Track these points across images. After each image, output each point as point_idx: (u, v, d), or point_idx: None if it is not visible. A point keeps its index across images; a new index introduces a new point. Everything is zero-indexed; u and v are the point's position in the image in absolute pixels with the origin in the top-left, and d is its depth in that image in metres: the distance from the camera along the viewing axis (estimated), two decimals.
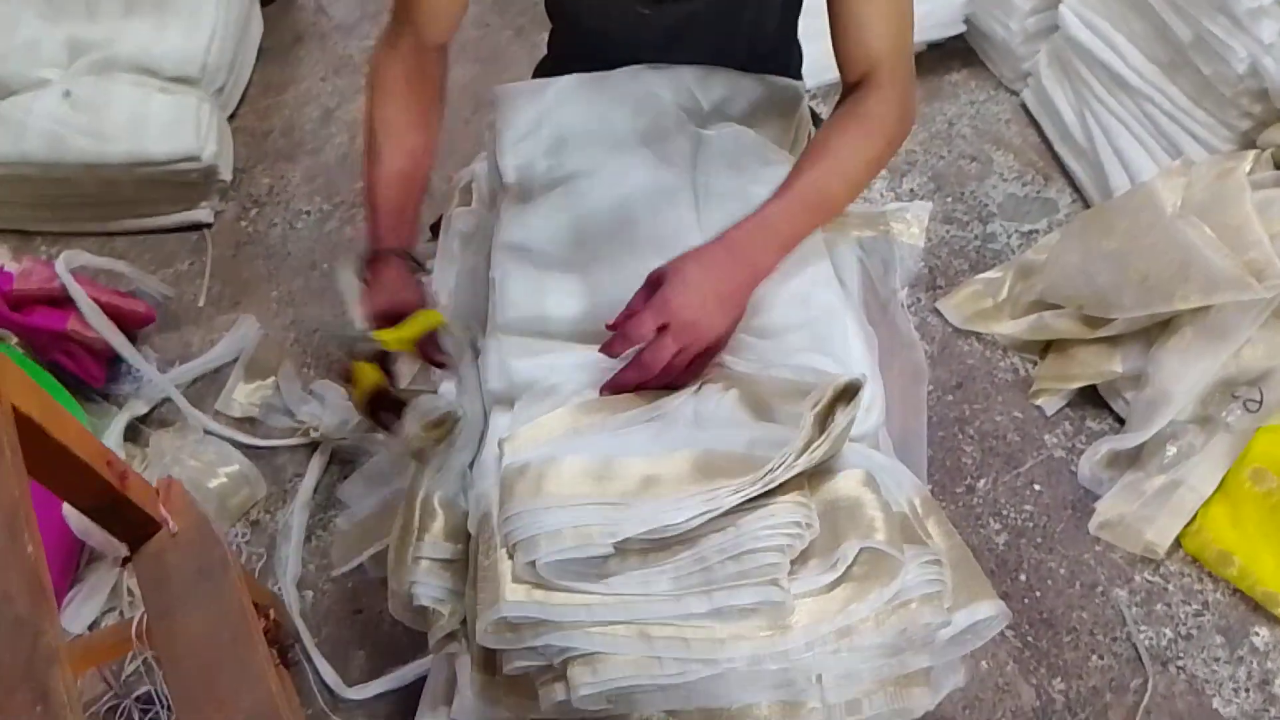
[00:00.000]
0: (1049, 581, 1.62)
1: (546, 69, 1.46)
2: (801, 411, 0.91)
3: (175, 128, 2.02)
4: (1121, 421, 1.75)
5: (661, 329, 1.03)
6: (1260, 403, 1.59)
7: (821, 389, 0.92)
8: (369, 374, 1.10)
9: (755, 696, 0.96)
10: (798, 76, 1.44)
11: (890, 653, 0.97)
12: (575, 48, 1.45)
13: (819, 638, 0.93)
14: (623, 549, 0.91)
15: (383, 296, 1.15)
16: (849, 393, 0.93)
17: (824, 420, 0.92)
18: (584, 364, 1.08)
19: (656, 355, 1.02)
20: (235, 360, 1.84)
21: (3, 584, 0.61)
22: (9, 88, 2.08)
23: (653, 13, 1.24)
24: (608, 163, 1.27)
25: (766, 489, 0.90)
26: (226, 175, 2.15)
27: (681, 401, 1.01)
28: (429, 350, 1.14)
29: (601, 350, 1.05)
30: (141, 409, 1.77)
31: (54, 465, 0.89)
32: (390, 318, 1.14)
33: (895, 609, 0.95)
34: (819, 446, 0.90)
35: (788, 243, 1.09)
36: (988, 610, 1.04)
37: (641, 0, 1.23)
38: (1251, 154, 1.67)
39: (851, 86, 1.15)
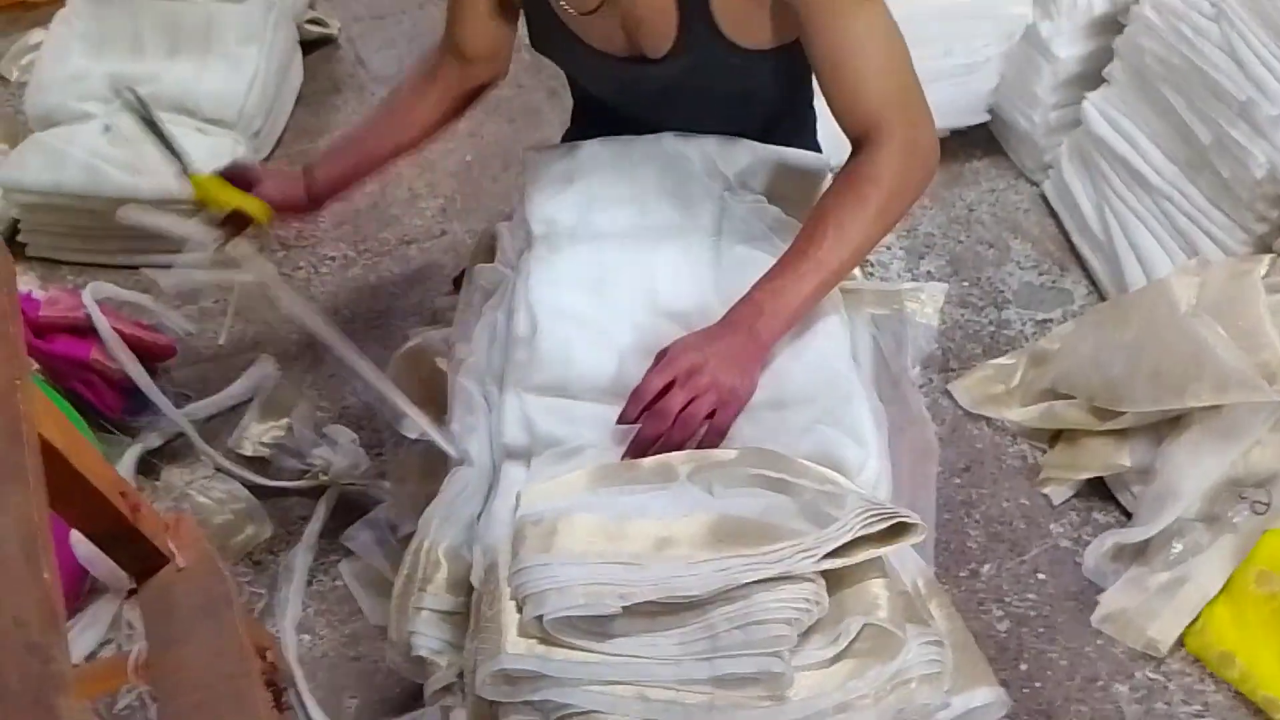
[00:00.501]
0: (1049, 672, 1.61)
1: (571, 137, 1.52)
2: (837, 515, 0.91)
3: (209, 168, 2.05)
4: (1128, 515, 1.75)
5: (674, 382, 1.06)
6: (1268, 505, 1.59)
7: (877, 510, 0.92)
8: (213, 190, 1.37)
9: None
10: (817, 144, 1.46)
11: None
12: (589, 112, 1.53)
13: (816, 712, 0.92)
14: (630, 610, 0.92)
15: (259, 174, 1.44)
16: (901, 530, 0.94)
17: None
18: (606, 425, 1.09)
19: (669, 404, 1.06)
20: (251, 399, 1.85)
21: (18, 609, 0.61)
22: (52, 119, 2.13)
23: (634, 74, 1.27)
24: (634, 225, 1.29)
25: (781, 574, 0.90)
26: None
27: (694, 468, 1.02)
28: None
29: (618, 421, 1.08)
30: (155, 442, 1.78)
31: (70, 494, 0.90)
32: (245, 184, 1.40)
33: (894, 687, 0.95)
34: (840, 559, 0.91)
35: (790, 316, 1.11)
36: (987, 696, 1.03)
37: (621, 62, 1.27)
38: (1267, 258, 1.68)
39: (856, 144, 1.16)
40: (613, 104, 1.41)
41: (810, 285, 1.11)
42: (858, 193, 1.12)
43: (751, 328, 1.09)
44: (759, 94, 1.33)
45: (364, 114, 1.46)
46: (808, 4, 1.11)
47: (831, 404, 1.10)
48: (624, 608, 0.91)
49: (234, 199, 1.38)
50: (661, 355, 1.11)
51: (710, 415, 1.07)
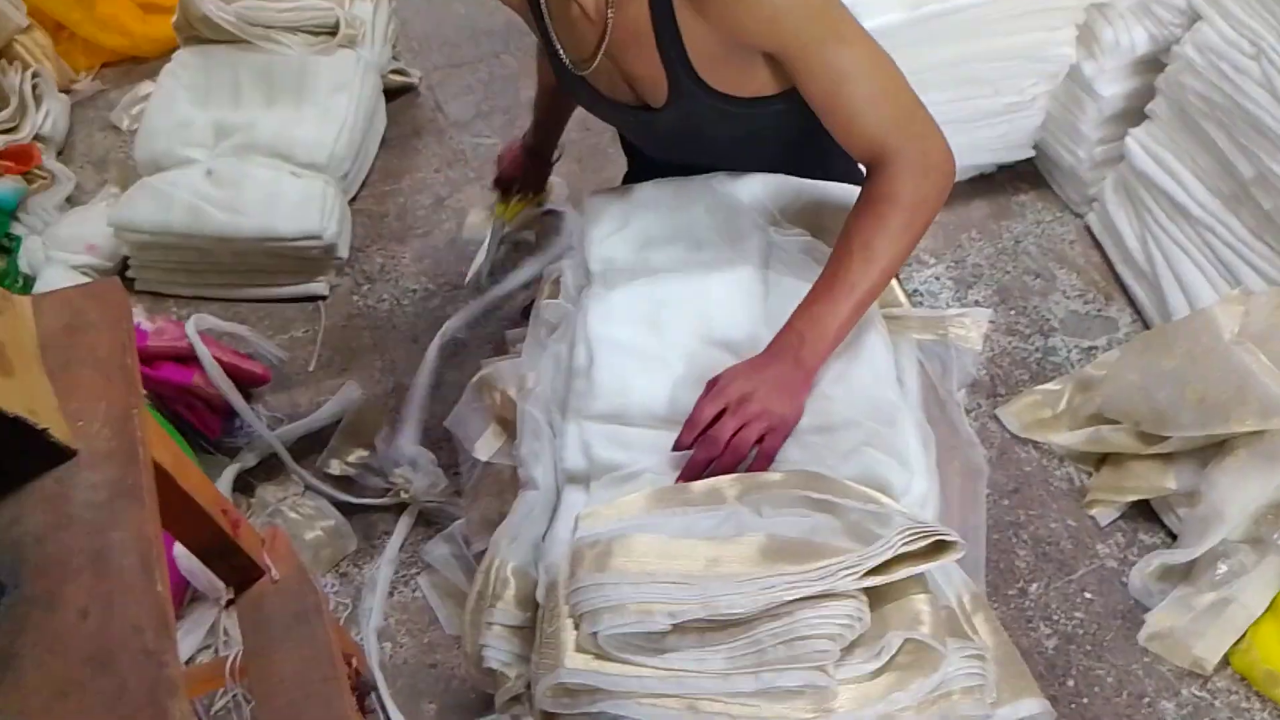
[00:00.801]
0: (1096, 689, 1.59)
1: (628, 176, 1.63)
2: (881, 533, 0.92)
3: (303, 208, 2.12)
4: (1174, 536, 1.72)
5: (725, 410, 1.08)
6: None
7: (918, 527, 0.92)
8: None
9: None
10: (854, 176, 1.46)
11: None
12: (633, 153, 1.64)
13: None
14: (681, 627, 0.93)
15: (511, 168, 1.85)
16: (941, 548, 0.94)
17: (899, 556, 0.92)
18: (661, 450, 1.11)
19: (720, 431, 1.07)
20: (338, 422, 1.90)
21: (136, 617, 0.65)
22: (160, 164, 2.21)
23: (644, 120, 1.30)
24: (686, 260, 1.31)
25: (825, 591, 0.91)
26: (344, 253, 2.25)
27: (743, 490, 1.03)
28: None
29: (674, 448, 1.10)
30: (251, 462, 1.84)
31: (178, 511, 0.94)
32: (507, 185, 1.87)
33: (936, 699, 0.94)
34: (881, 576, 0.91)
35: (832, 340, 1.12)
36: (1032, 708, 1.02)
37: (632, 109, 1.30)
38: None
39: (869, 169, 1.16)
40: (638, 142, 1.44)
41: (846, 308, 1.11)
42: (876, 212, 1.12)
43: (797, 356, 1.11)
44: (766, 135, 1.33)
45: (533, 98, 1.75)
46: (788, 54, 1.11)
47: (876, 428, 1.11)
48: (674, 624, 0.92)
49: (513, 210, 1.93)
50: (713, 384, 1.12)
51: (759, 440, 1.08)
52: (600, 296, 1.28)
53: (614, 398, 1.16)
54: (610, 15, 1.16)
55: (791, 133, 1.34)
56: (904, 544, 0.91)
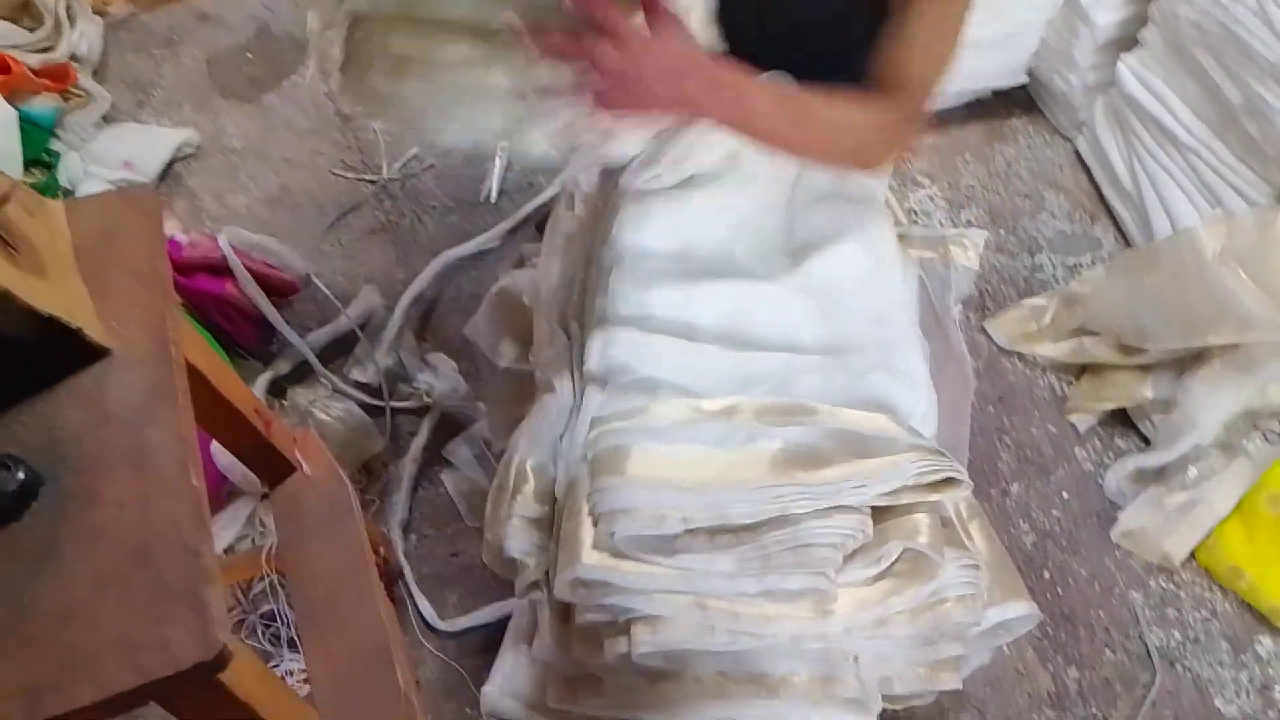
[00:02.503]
0: (1071, 581, 1.58)
1: None
2: (890, 455, 0.89)
3: None
4: (1148, 441, 1.70)
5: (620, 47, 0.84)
6: None
7: (932, 463, 0.90)
8: None
9: (796, 668, 0.95)
10: None
11: (923, 642, 0.96)
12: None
13: (857, 625, 0.92)
14: (692, 530, 0.91)
15: None
16: (949, 484, 0.91)
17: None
18: (679, 356, 1.07)
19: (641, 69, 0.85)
20: (364, 327, 1.86)
21: (174, 513, 0.62)
22: None
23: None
24: (721, 197, 1.23)
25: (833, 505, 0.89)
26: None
27: (759, 410, 0.99)
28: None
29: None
30: (284, 369, 1.81)
31: (213, 412, 0.91)
32: None
33: (931, 606, 0.93)
34: (887, 499, 0.89)
35: (775, 123, 0.96)
36: (1020, 610, 1.02)
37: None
38: None
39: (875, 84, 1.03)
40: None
41: (805, 128, 0.97)
42: (879, 105, 1.00)
43: (748, 94, 0.93)
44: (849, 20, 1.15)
45: None
46: None
47: (887, 351, 1.07)
48: (687, 529, 0.90)
49: None
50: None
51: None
52: (634, 212, 1.19)
53: (637, 306, 1.11)
54: None
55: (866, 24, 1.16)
56: (915, 476, 0.89)
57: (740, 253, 1.16)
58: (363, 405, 1.76)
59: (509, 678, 1.18)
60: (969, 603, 0.95)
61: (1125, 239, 1.99)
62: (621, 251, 1.15)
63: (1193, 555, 1.58)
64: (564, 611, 1.03)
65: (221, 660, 0.58)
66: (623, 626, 0.94)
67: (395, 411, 1.78)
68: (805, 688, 0.96)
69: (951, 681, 1.01)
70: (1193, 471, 1.58)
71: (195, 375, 0.83)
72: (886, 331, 1.09)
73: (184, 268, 1.74)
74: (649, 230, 1.17)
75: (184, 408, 0.68)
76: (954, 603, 0.94)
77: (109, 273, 0.76)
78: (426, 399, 1.75)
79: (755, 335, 1.07)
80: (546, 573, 1.10)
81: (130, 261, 0.78)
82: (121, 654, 0.57)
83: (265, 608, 1.51)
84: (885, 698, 1.08)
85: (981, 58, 2.06)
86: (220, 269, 1.77)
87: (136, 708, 0.60)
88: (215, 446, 1.50)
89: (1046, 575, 1.59)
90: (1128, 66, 1.91)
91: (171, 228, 1.94)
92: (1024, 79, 2.17)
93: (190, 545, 0.61)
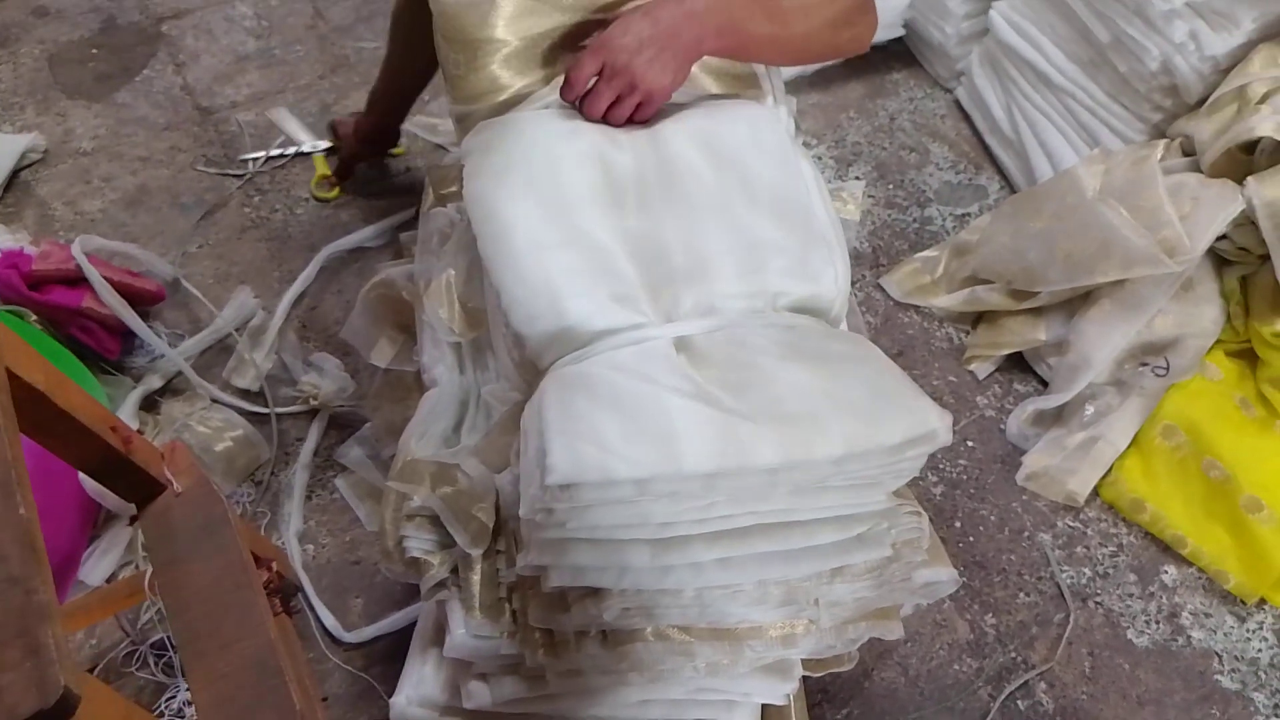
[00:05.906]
0: (981, 528, 1.60)
1: None
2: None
3: None
4: (1045, 384, 1.73)
5: (601, 74, 1.03)
6: (1167, 369, 1.57)
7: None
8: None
9: (760, 616, 0.94)
10: None
11: (874, 587, 0.97)
12: None
13: (816, 571, 0.93)
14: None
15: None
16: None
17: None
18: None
19: (594, 105, 1.04)
20: (241, 330, 1.77)
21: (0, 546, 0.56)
22: None
23: None
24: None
25: None
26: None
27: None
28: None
29: (561, 94, 1.06)
30: (157, 383, 1.70)
31: (58, 430, 0.83)
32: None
33: None
34: None
35: (733, 22, 1.03)
36: (943, 574, 1.08)
37: None
38: (1163, 143, 1.64)
39: None
40: None
41: (764, 18, 1.05)
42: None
43: (696, 11, 1.01)
44: None
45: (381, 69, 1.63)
46: None
47: (807, 234, 1.03)
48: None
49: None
50: (600, 39, 1.03)
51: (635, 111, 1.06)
52: (475, 159, 1.07)
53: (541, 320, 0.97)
54: None
55: None
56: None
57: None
58: (245, 413, 1.68)
59: (417, 686, 1.12)
60: (915, 544, 0.98)
61: (1010, 185, 2.02)
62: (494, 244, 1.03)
63: (1096, 492, 1.62)
64: (526, 583, 0.96)
65: (65, 706, 0.52)
66: (590, 590, 0.90)
67: (281, 417, 1.69)
68: (766, 643, 0.94)
69: (897, 630, 1.03)
70: (1089, 410, 1.61)
71: (32, 393, 0.76)
72: (804, 214, 1.05)
73: (35, 281, 1.62)
74: (512, 194, 1.06)
75: (6, 428, 0.61)
76: (902, 546, 0.97)
77: None
78: (313, 401, 1.67)
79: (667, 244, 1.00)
80: (454, 570, 1.06)
81: None
82: None
83: (155, 636, 1.42)
84: (805, 664, 1.07)
85: None
86: (76, 280, 1.66)
87: None
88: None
89: (958, 525, 1.60)
90: (999, 13, 1.94)
91: (18, 239, 1.81)
92: (900, 31, 2.19)
93: (19, 579, 0.54)
